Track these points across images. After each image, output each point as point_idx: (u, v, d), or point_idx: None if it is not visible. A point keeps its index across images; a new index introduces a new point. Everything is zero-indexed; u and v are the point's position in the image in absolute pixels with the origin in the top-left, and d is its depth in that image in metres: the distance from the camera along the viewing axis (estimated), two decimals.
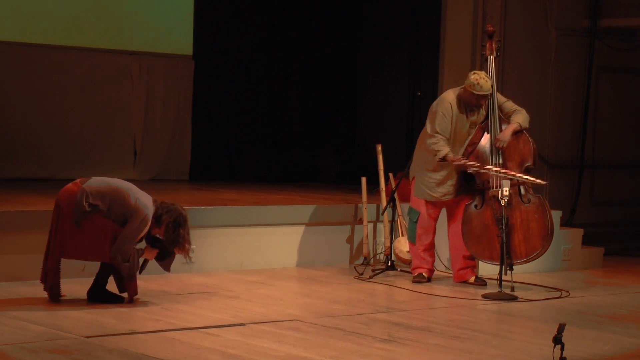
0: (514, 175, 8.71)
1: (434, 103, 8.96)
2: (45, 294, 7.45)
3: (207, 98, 12.85)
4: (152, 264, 7.54)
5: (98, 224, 7.29)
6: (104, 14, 12.20)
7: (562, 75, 11.94)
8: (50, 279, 7.37)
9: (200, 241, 8.98)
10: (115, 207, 7.32)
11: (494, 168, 8.74)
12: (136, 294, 7.43)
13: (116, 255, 7.25)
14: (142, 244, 7.48)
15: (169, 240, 7.41)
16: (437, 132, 8.76)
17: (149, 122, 12.45)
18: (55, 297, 7.41)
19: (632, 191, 12.73)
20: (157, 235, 7.47)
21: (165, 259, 7.53)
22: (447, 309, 7.97)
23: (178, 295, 7.90)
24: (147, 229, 7.37)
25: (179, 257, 7.59)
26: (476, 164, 8.76)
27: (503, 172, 8.71)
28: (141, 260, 7.42)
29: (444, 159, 8.73)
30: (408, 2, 13.27)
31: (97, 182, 7.46)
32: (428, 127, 8.84)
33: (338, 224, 9.98)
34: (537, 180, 8.78)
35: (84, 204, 7.28)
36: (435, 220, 9.07)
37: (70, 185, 7.44)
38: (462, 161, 8.74)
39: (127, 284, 7.38)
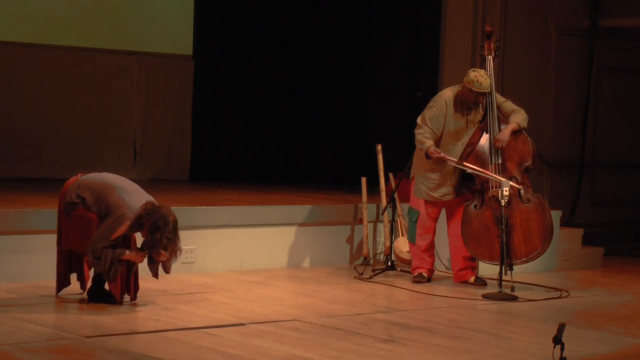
0: (491, 176, 8.69)
1: (432, 99, 8.98)
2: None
3: (207, 98, 12.85)
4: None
5: (84, 217, 7.26)
6: (103, 14, 12.19)
7: (562, 75, 11.94)
8: (59, 268, 7.40)
9: (200, 241, 8.98)
10: (100, 202, 7.24)
11: (471, 166, 8.73)
12: (123, 294, 7.30)
13: (88, 250, 7.15)
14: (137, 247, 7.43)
15: (147, 244, 7.14)
16: (426, 124, 8.78)
17: (149, 122, 12.45)
18: (62, 285, 7.41)
19: (632, 191, 12.72)
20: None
21: (152, 263, 7.26)
22: (447, 309, 7.97)
23: (178, 295, 7.90)
24: (122, 228, 7.12)
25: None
26: (454, 159, 8.74)
27: (482, 172, 8.70)
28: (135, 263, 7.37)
29: (426, 152, 8.73)
30: (408, 2, 13.27)
31: (94, 176, 7.43)
32: (419, 118, 8.86)
33: (338, 224, 9.97)
34: (515, 184, 8.70)
35: (72, 195, 7.27)
36: (435, 220, 9.06)
37: (71, 178, 7.48)
38: (441, 155, 8.71)
39: (109, 285, 7.30)
